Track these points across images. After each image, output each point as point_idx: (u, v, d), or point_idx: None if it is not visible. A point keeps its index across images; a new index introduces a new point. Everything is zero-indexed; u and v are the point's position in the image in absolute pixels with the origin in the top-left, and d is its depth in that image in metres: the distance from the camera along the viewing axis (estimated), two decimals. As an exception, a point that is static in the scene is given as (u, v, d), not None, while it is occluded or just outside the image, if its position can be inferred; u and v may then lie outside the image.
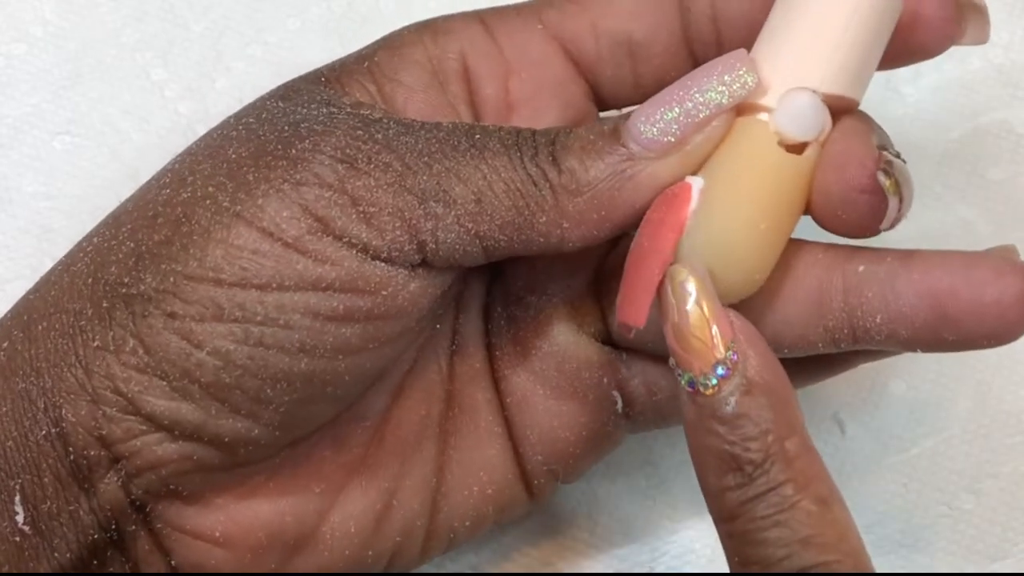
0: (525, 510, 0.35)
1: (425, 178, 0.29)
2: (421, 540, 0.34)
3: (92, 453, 0.29)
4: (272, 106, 0.31)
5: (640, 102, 0.30)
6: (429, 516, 0.33)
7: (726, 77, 0.30)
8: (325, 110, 0.31)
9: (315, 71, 0.33)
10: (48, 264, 0.39)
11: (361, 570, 0.33)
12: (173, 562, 0.31)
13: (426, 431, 0.33)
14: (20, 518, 0.30)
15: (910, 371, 0.39)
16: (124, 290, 0.29)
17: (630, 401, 0.34)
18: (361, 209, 0.29)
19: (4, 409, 0.30)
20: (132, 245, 0.30)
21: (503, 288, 0.34)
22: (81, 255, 0.31)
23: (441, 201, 0.29)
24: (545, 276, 0.34)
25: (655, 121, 0.30)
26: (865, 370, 0.39)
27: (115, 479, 0.30)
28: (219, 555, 0.31)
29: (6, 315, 0.32)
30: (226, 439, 0.30)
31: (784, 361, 0.29)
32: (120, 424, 0.29)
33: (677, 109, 0.30)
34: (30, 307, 0.31)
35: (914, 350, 0.30)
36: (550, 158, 0.30)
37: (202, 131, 0.40)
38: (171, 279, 0.29)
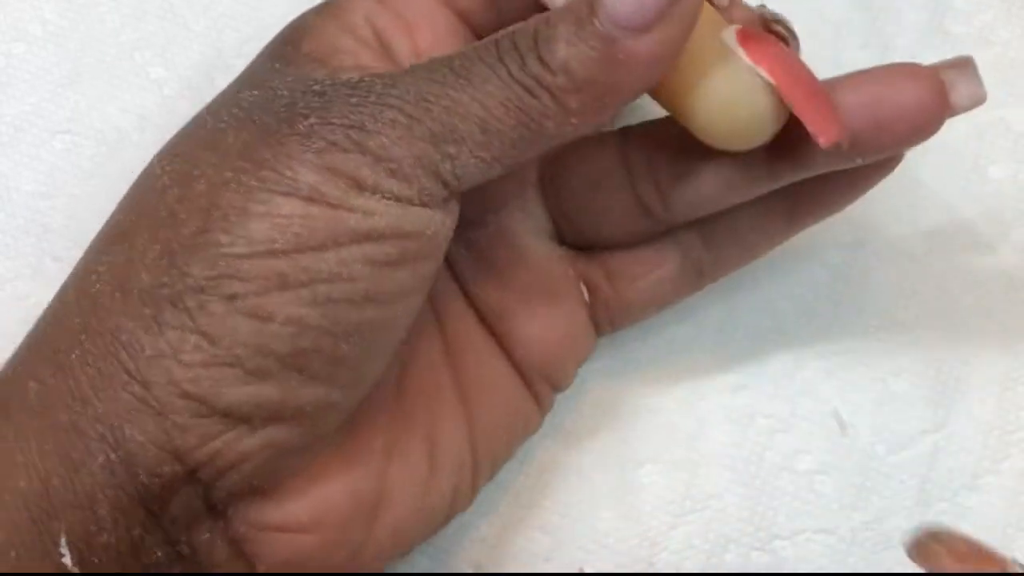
0: (538, 422, 0.37)
1: (429, 123, 0.29)
2: (470, 472, 0.35)
3: (166, 470, 0.29)
4: (249, 96, 0.32)
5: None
6: (470, 445, 0.34)
7: None
8: (307, 86, 0.31)
9: (263, 61, 0.34)
10: (48, 263, 0.39)
11: (429, 515, 0.34)
12: (257, 564, 0.31)
13: (437, 369, 0.35)
14: (68, 560, 0.29)
15: (910, 368, 0.39)
16: (167, 291, 0.29)
17: (592, 290, 0.36)
18: (384, 166, 0.29)
19: (47, 447, 0.29)
20: (159, 248, 0.30)
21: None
22: (94, 278, 0.30)
23: (451, 140, 0.29)
24: (497, 193, 0.35)
25: None
26: (865, 367, 0.39)
27: (191, 491, 0.29)
28: (307, 542, 0.31)
29: (14, 362, 0.31)
30: (308, 409, 0.30)
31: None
32: (194, 430, 0.29)
33: None
34: (50, 342, 0.30)
35: (858, 159, 0.32)
36: (539, 62, 0.29)
37: (202, 130, 0.41)
38: (222, 263, 0.29)
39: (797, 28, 0.42)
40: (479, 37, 0.34)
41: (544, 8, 0.31)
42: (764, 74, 0.30)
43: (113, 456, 0.29)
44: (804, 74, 0.31)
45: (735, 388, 0.39)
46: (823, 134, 0.30)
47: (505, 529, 0.38)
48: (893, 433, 0.39)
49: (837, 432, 0.39)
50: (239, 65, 0.41)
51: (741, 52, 0.30)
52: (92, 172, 0.40)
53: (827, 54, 0.41)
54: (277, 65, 0.33)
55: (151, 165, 0.32)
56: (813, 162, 0.33)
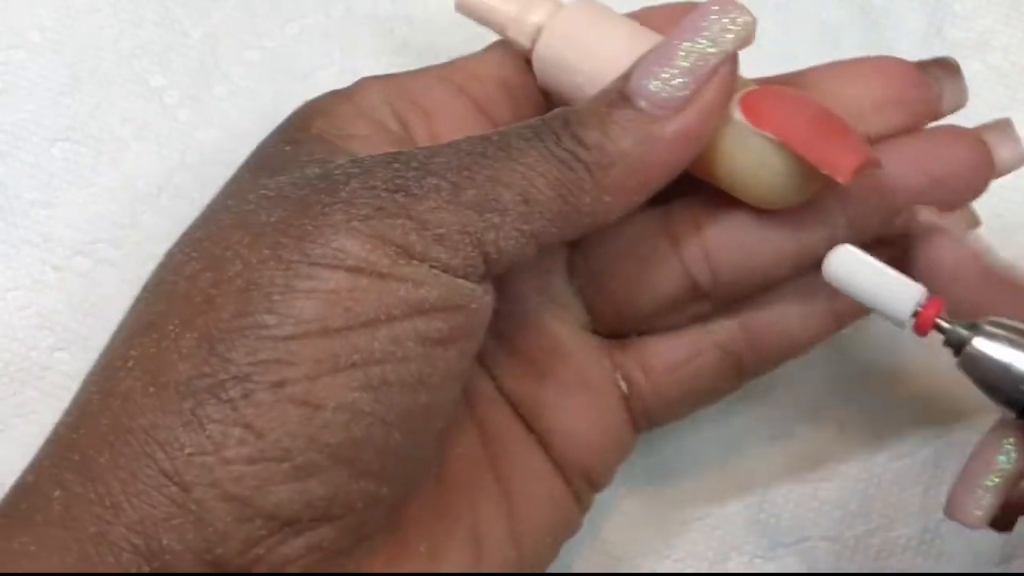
0: (579, 522, 0.35)
1: (473, 192, 0.29)
2: (515, 571, 0.33)
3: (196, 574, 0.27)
4: (268, 182, 0.30)
5: None
6: (515, 544, 0.33)
7: (725, 20, 0.30)
8: (339, 162, 0.30)
9: (273, 144, 0.32)
10: (49, 273, 0.39)
11: None
12: None
13: (477, 463, 0.33)
14: None
15: (913, 374, 0.39)
16: (207, 381, 0.27)
17: (628, 382, 0.34)
18: (431, 232, 0.28)
19: (69, 561, 0.26)
20: (195, 335, 0.27)
21: None
22: (122, 375, 0.28)
23: (495, 210, 0.29)
24: (521, 283, 0.34)
25: (663, 78, 0.30)
26: (868, 373, 0.39)
27: None
28: None
29: (35, 467, 0.29)
30: (358, 506, 0.28)
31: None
32: (237, 536, 0.27)
33: (682, 62, 0.30)
34: (75, 446, 0.28)
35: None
36: (573, 139, 0.29)
37: (201, 137, 0.41)
38: (268, 346, 0.27)
39: (797, 35, 0.42)
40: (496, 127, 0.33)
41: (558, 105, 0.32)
42: (770, 136, 0.30)
43: (147, 568, 0.26)
44: (808, 121, 0.30)
45: (737, 395, 0.39)
46: (838, 171, 0.29)
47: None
48: (896, 440, 0.39)
49: (840, 439, 0.39)
50: (238, 73, 0.42)
51: (746, 121, 0.31)
52: (92, 180, 0.40)
53: (827, 60, 0.41)
54: (287, 148, 0.31)
55: (171, 256, 0.30)
56: (865, 219, 0.32)
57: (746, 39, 0.30)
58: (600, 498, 0.37)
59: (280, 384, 0.27)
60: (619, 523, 0.38)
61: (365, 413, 0.27)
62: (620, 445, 0.35)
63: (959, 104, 0.33)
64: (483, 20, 0.35)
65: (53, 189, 0.40)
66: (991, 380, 0.28)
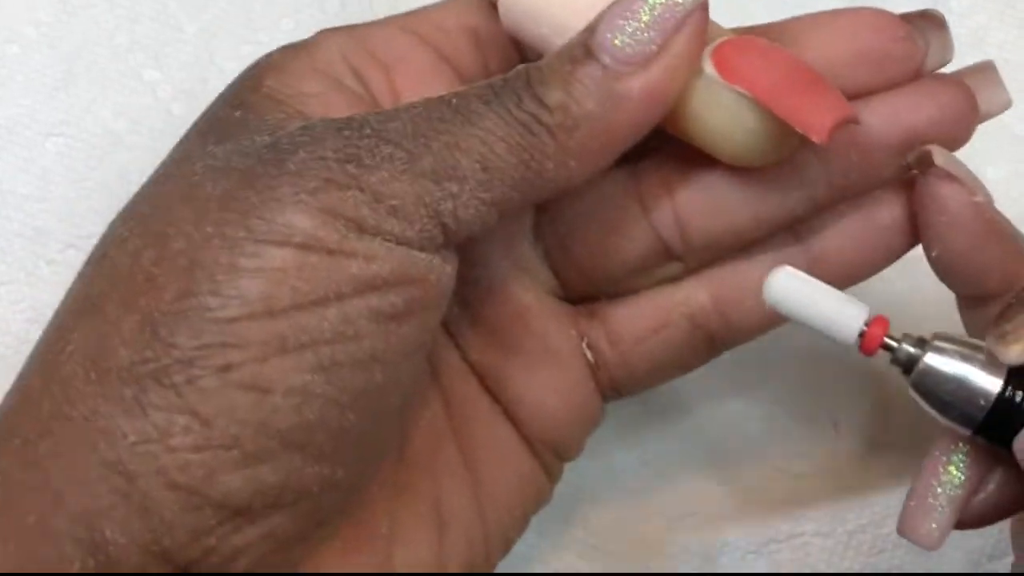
0: (549, 492, 0.34)
1: (430, 159, 0.27)
2: (483, 546, 0.32)
3: (153, 573, 0.26)
4: (216, 149, 0.29)
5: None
6: (480, 519, 0.32)
7: None
8: (288, 129, 0.28)
9: (221, 107, 0.31)
10: (43, 267, 0.39)
11: None
12: None
13: (440, 437, 0.32)
14: None
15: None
16: (151, 366, 0.26)
17: (595, 352, 0.33)
18: (384, 204, 0.27)
19: (8, 550, 0.26)
20: (137, 318, 0.26)
21: None
22: (63, 358, 0.27)
23: (453, 178, 0.27)
24: (486, 249, 0.33)
25: (628, 32, 0.28)
26: (863, 373, 0.39)
27: None
28: None
29: None
30: (312, 492, 0.27)
31: None
32: (185, 526, 0.26)
33: (648, 14, 0.28)
34: (16, 431, 0.27)
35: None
36: (534, 100, 0.28)
37: (196, 132, 0.41)
38: (213, 329, 0.26)
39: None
40: (464, 81, 0.32)
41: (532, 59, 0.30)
42: (743, 91, 0.29)
43: (91, 562, 0.25)
44: (783, 76, 0.29)
45: (730, 391, 0.39)
46: (813, 130, 0.28)
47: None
48: (889, 436, 0.39)
49: (833, 435, 0.39)
50: (232, 68, 0.41)
51: (718, 75, 0.29)
52: (86, 175, 0.40)
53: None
54: (237, 113, 0.30)
55: (112, 228, 0.29)
56: (845, 177, 0.31)
57: None
58: (592, 495, 0.37)
59: (226, 368, 0.26)
60: (611, 520, 0.38)
61: (316, 395, 0.26)
62: (587, 416, 0.34)
63: (945, 60, 0.32)
64: None
65: (47, 183, 0.40)
66: (945, 397, 0.27)
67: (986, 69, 0.32)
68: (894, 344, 0.28)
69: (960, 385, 0.27)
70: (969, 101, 0.31)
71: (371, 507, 0.30)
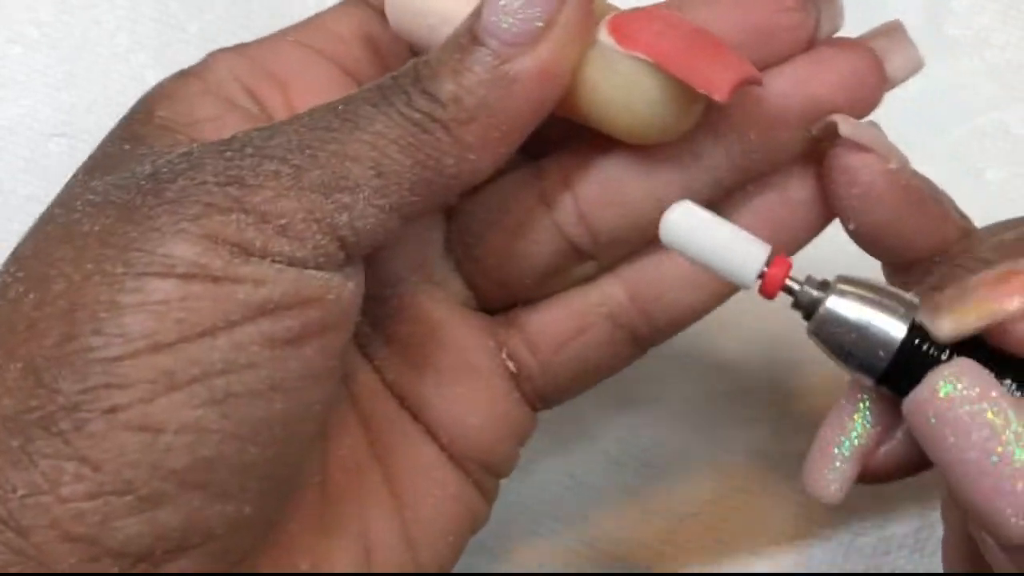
0: (486, 512, 0.33)
1: (318, 172, 0.26)
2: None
3: None
4: (97, 184, 0.28)
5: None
6: (408, 546, 0.31)
7: None
8: (168, 157, 0.27)
9: (111, 141, 0.30)
10: (44, 268, 0.39)
11: None
12: None
13: (363, 466, 0.31)
14: None
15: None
16: (36, 414, 0.25)
17: (516, 362, 0.32)
18: (272, 224, 0.26)
19: None
20: (20, 366, 0.25)
21: None
22: None
23: (345, 189, 0.26)
24: (395, 263, 0.32)
25: (512, 11, 0.27)
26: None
27: None
28: None
29: None
30: (218, 531, 0.26)
31: None
32: None
33: None
34: None
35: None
36: (425, 95, 0.27)
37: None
38: (96, 370, 0.25)
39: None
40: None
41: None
42: (643, 57, 0.28)
43: None
44: (682, 38, 0.28)
45: (732, 392, 0.39)
46: (714, 88, 0.27)
47: (501, 534, 0.38)
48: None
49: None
50: (235, 68, 0.42)
51: (614, 44, 0.28)
52: (87, 176, 0.40)
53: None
54: (127, 146, 0.29)
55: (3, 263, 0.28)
56: (747, 154, 0.29)
57: None
58: (593, 498, 0.38)
59: (113, 410, 0.25)
60: (612, 522, 0.38)
61: (212, 431, 0.25)
62: (517, 427, 0.33)
63: (836, 27, 0.30)
64: None
65: (49, 184, 0.40)
66: (847, 344, 0.26)
67: (893, 30, 0.30)
68: (796, 287, 0.27)
69: (862, 332, 0.26)
70: (872, 65, 0.30)
71: (293, 543, 0.29)
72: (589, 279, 0.32)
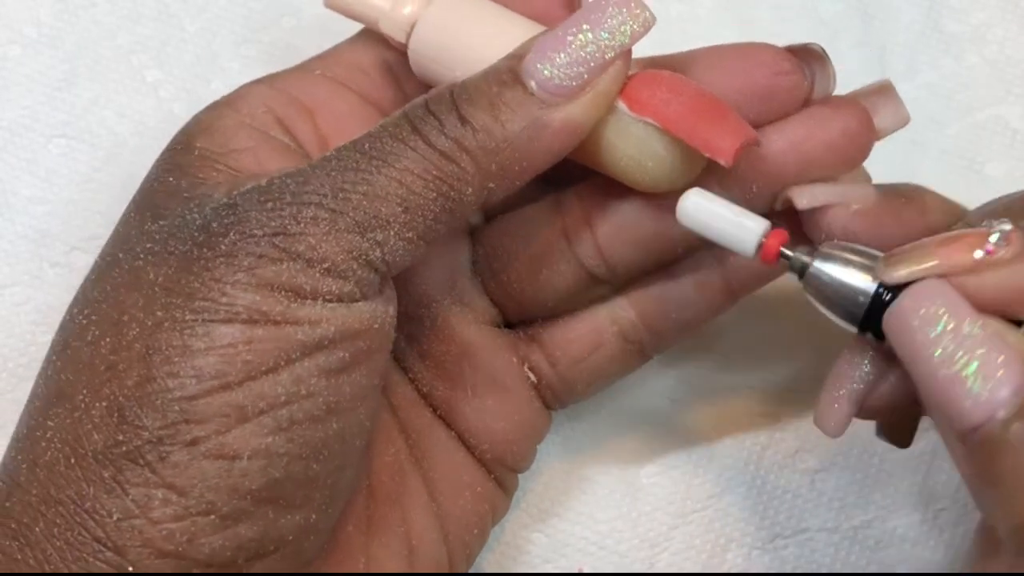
0: (506, 505, 0.36)
1: (352, 213, 0.29)
2: (447, 568, 0.34)
3: None
4: (158, 228, 0.30)
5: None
6: (444, 541, 0.34)
7: (625, 12, 0.30)
8: (216, 203, 0.30)
9: (157, 176, 0.32)
10: (47, 270, 0.39)
11: None
12: None
13: (402, 469, 0.34)
14: None
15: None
16: (124, 448, 0.28)
17: (537, 373, 0.35)
18: (318, 267, 0.29)
19: None
20: (105, 405, 0.28)
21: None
22: (44, 445, 0.29)
23: (377, 227, 0.29)
24: (427, 285, 0.35)
25: (558, 64, 0.30)
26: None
27: None
28: None
29: None
30: (290, 537, 0.29)
31: None
32: None
33: (579, 51, 0.30)
34: (10, 514, 0.28)
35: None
36: (460, 121, 0.29)
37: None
38: (175, 408, 0.28)
39: (793, 29, 0.42)
40: (386, 115, 0.33)
41: None
42: (651, 122, 0.31)
43: None
44: (686, 104, 0.31)
45: (735, 388, 0.39)
46: (719, 154, 0.30)
47: (506, 531, 0.38)
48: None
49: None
50: (234, 67, 0.42)
51: (627, 109, 0.31)
52: (89, 176, 0.40)
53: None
54: (171, 179, 0.31)
55: (72, 316, 0.31)
56: (750, 203, 0.32)
57: (643, 34, 0.30)
58: (595, 492, 0.38)
59: (194, 443, 0.27)
60: (617, 517, 0.38)
61: (280, 455, 0.28)
62: (536, 429, 0.36)
63: (828, 91, 0.33)
64: (355, 16, 0.35)
65: (50, 185, 0.40)
66: (830, 296, 0.30)
67: (884, 89, 0.33)
68: (789, 253, 0.31)
69: (841, 286, 0.30)
70: (863, 122, 0.32)
71: (349, 545, 0.32)
72: (603, 299, 0.35)
